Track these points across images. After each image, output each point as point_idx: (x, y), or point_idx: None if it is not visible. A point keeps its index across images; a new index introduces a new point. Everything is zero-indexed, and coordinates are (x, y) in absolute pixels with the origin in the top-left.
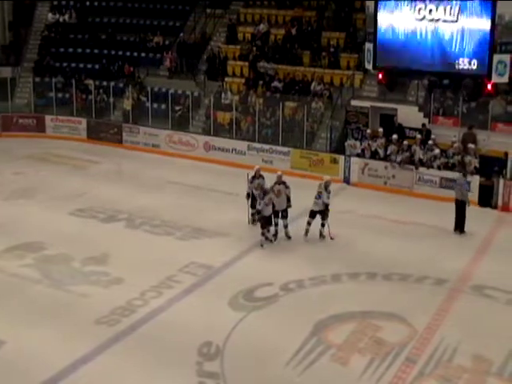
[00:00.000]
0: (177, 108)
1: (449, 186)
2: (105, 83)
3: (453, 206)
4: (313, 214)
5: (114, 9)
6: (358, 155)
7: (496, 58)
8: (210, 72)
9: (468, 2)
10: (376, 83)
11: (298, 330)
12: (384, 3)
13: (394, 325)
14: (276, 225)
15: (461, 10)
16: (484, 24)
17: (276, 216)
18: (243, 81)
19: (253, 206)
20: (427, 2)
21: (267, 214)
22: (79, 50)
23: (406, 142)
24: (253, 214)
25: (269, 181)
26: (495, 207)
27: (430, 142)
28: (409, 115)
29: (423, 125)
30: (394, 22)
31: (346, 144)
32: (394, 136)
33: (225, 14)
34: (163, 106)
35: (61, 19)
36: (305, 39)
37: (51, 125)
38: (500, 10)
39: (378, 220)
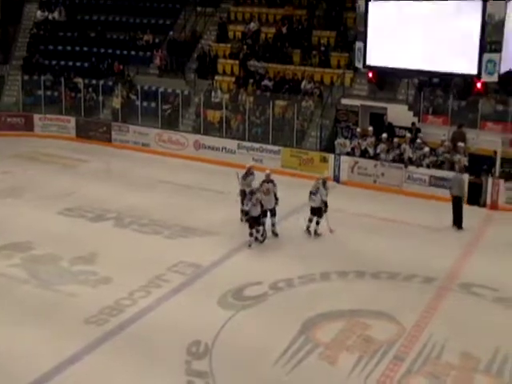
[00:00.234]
0: (165, 107)
1: (438, 184)
2: (94, 81)
3: (442, 204)
4: (313, 211)
5: (103, 6)
6: (347, 154)
7: (486, 56)
8: (200, 70)
9: (458, 2)
10: (366, 82)
11: (287, 329)
12: (374, 2)
13: (382, 323)
14: (264, 224)
15: (451, 10)
16: (474, 23)
17: (264, 215)
18: (233, 79)
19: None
20: (417, 1)
21: (256, 215)
22: (68, 48)
23: (396, 140)
24: (242, 211)
25: (258, 179)
26: (484, 205)
27: (419, 140)
28: (399, 114)
29: (413, 123)
30: (384, 20)
31: (335, 143)
32: (384, 135)
33: (215, 12)
34: (153, 105)
35: (50, 17)
36: (295, 38)
37: (40, 123)
38: (490, 9)
39: (368, 218)
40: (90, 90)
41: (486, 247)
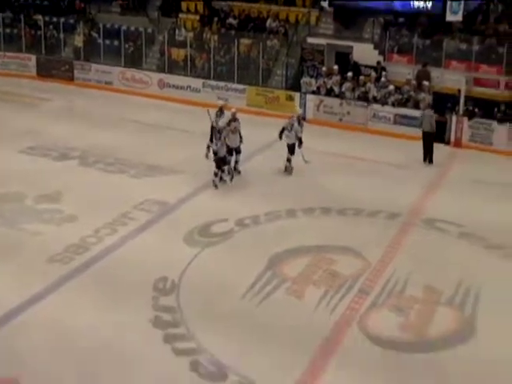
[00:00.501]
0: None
1: (403, 122)
2: (55, 19)
3: (407, 142)
4: (289, 149)
5: None
6: (313, 92)
7: None
8: (163, 8)
9: None
10: (332, 21)
11: (254, 265)
12: None
13: (347, 258)
14: (230, 163)
15: None
16: None
17: (230, 154)
18: (198, 17)
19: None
20: None
21: (222, 155)
22: None
23: (361, 79)
24: (209, 148)
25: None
26: (448, 143)
27: (384, 79)
28: (364, 53)
29: (378, 62)
30: None
31: (301, 81)
32: (349, 73)
33: None
34: (116, 43)
35: None
36: None
37: None
38: None
39: (333, 156)
40: (51, 27)
41: (450, 184)
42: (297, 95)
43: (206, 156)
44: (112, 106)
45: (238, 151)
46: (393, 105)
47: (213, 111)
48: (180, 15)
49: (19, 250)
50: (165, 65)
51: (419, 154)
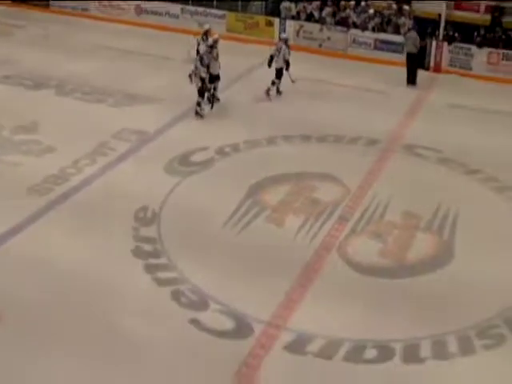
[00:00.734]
0: None
1: (383, 47)
2: None
3: (387, 67)
4: (277, 73)
5: None
6: (293, 18)
7: None
8: None
9: None
10: None
11: (234, 193)
12: None
13: (327, 185)
14: (210, 90)
15: None
16: None
17: (211, 81)
18: None
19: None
20: None
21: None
22: None
23: (341, 3)
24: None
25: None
26: (427, 68)
27: (363, 3)
28: None
29: None
30: None
31: (281, 6)
32: None
33: None
34: None
35: None
36: None
37: None
38: None
39: (314, 83)
40: None
41: (430, 109)
42: (276, 21)
43: (190, 80)
44: (89, 34)
45: (217, 78)
46: (373, 30)
47: (193, 48)
48: None
49: None
50: None
51: (399, 79)
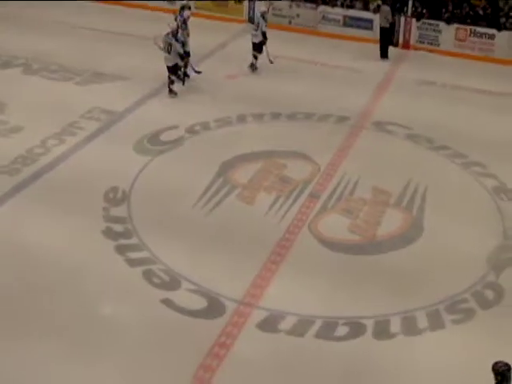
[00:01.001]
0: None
1: (352, 24)
2: None
3: (356, 44)
4: (257, 47)
5: None
6: None
7: None
8: None
9: None
10: None
11: (205, 172)
12: None
13: (298, 163)
14: (180, 68)
15: None
16: None
17: (182, 59)
18: None
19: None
20: None
21: (176, 61)
22: None
23: None
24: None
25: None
26: (396, 45)
27: None
28: None
29: None
30: None
31: None
32: None
33: None
34: None
35: None
36: None
37: None
38: None
39: (284, 60)
40: None
41: (399, 86)
42: None
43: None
44: (57, 11)
45: (188, 55)
46: (342, 5)
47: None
48: None
49: None
50: None
51: (369, 56)
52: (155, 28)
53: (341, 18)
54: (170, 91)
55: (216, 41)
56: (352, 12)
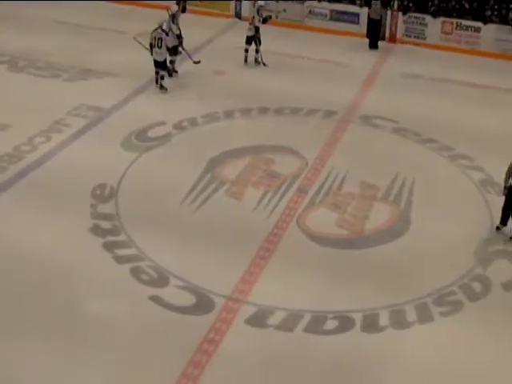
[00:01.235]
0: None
1: (339, 18)
2: None
3: (343, 38)
4: (248, 40)
5: None
6: None
7: None
8: None
9: None
10: None
11: (192, 168)
12: None
13: (286, 158)
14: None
15: None
16: None
17: (171, 53)
18: None
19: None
20: None
21: (165, 58)
22: None
23: None
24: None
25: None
26: (383, 39)
27: None
28: None
29: None
30: None
31: None
32: None
33: None
34: None
35: None
36: None
37: None
38: None
39: (271, 55)
40: None
41: (386, 80)
42: None
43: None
44: (43, 7)
45: (175, 52)
46: (328, 0)
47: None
48: None
49: None
50: None
51: (356, 50)
52: (143, 24)
53: (327, 12)
54: (161, 87)
55: (204, 36)
56: (338, 6)
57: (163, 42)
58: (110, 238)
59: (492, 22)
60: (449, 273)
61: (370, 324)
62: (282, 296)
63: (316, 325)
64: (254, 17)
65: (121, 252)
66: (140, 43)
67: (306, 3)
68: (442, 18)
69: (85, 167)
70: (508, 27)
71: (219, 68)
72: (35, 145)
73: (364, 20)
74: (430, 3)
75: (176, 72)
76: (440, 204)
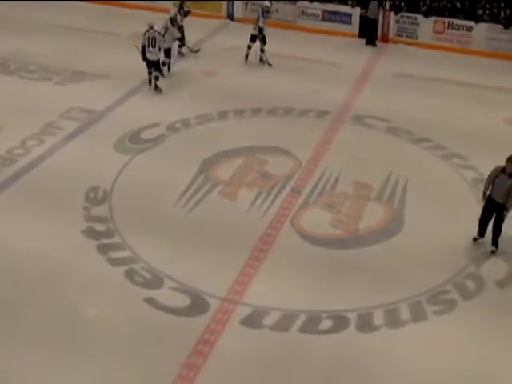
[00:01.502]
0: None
1: (331, 18)
2: None
3: (335, 38)
4: (252, 38)
5: None
6: None
7: None
8: None
9: None
10: None
11: (186, 170)
12: None
13: (279, 158)
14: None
15: None
16: None
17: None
18: None
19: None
20: None
21: (159, 57)
22: None
23: None
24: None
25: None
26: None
27: None
28: None
29: None
30: None
31: None
32: None
33: None
34: None
35: None
36: None
37: None
38: None
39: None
40: None
41: (378, 79)
42: None
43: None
44: (34, 10)
45: (168, 55)
46: (320, 0)
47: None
48: None
49: None
50: None
51: (348, 50)
52: (133, 26)
53: (319, 12)
54: (156, 88)
55: (196, 37)
56: (330, 6)
57: (157, 42)
58: (104, 241)
59: (483, 20)
60: (442, 271)
61: (365, 323)
62: (277, 296)
63: (311, 325)
64: (258, 17)
65: (115, 254)
66: (138, 49)
67: (298, 3)
68: (433, 18)
69: (78, 170)
70: (499, 26)
71: (212, 69)
72: (28, 148)
73: (356, 20)
74: (421, 3)
75: (168, 71)
76: (433, 203)
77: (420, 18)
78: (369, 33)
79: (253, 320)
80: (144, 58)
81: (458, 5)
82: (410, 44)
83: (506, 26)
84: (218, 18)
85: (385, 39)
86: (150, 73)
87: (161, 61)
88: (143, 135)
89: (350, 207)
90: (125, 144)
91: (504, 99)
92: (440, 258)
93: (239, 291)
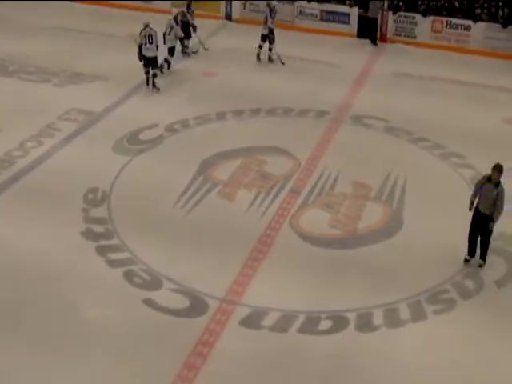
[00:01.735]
0: None
1: (329, 19)
2: None
3: (333, 38)
4: (263, 38)
5: None
6: None
7: None
8: None
9: None
10: None
11: (185, 170)
12: None
13: (278, 159)
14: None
15: None
16: None
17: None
18: None
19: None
20: None
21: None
22: None
23: None
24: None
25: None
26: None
27: None
28: None
29: None
30: None
31: None
32: None
33: None
34: None
35: None
36: None
37: None
38: None
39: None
40: None
41: (376, 79)
42: None
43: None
44: (31, 12)
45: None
46: (318, 0)
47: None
48: None
49: None
50: None
51: (346, 50)
52: (129, 26)
53: (318, 12)
54: (154, 86)
55: (193, 38)
56: (328, 6)
57: (154, 39)
58: (103, 242)
59: (482, 20)
60: (441, 271)
61: (364, 323)
62: (276, 297)
63: (310, 325)
64: (266, 17)
65: (114, 256)
66: (136, 42)
67: (296, 3)
68: (431, 17)
69: (77, 171)
70: (497, 25)
71: (210, 69)
72: (27, 149)
73: (354, 20)
74: (419, 2)
75: (168, 68)
76: (432, 203)
77: (418, 17)
78: (372, 32)
79: (252, 320)
80: (140, 58)
81: (456, 4)
82: (408, 43)
83: (504, 25)
84: (216, 18)
85: (383, 39)
86: (147, 73)
87: (161, 60)
88: (142, 136)
89: (349, 207)
90: (123, 145)
91: (503, 99)
92: (439, 257)
93: (238, 292)
